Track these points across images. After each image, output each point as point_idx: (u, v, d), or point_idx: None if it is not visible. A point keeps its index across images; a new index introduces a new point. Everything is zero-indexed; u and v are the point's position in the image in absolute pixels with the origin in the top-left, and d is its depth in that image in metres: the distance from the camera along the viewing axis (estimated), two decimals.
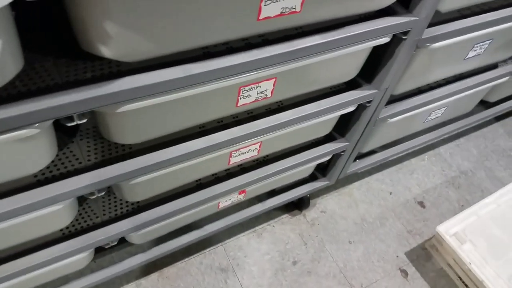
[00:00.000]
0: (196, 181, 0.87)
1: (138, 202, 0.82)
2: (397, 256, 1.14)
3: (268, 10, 0.50)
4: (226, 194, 0.88)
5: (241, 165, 0.91)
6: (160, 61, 0.53)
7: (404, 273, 1.11)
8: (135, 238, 0.87)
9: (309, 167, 1.06)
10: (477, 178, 1.36)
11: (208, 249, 1.08)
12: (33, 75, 0.49)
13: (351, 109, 0.84)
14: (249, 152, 0.81)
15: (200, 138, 0.70)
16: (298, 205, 1.20)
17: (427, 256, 1.14)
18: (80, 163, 0.65)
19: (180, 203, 0.83)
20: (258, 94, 0.66)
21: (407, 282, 1.10)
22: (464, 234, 1.05)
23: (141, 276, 1.01)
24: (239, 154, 0.80)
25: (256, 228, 1.15)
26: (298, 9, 0.52)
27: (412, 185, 1.33)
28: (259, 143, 0.80)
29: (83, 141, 0.68)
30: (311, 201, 1.22)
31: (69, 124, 0.52)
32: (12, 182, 0.59)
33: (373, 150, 1.22)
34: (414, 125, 1.15)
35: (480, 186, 1.34)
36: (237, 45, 0.57)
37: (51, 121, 0.51)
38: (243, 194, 0.94)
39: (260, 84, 0.63)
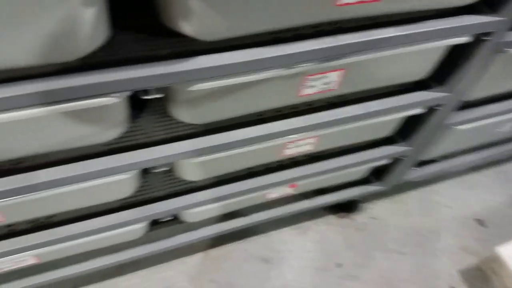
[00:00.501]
0: (248, 168, 0.89)
1: (194, 181, 0.85)
2: (450, 274, 1.08)
3: None
4: (276, 186, 0.88)
5: (293, 158, 0.91)
6: (231, 43, 0.55)
7: None
8: (188, 216, 0.91)
9: (364, 169, 1.03)
10: None
11: (252, 237, 1.10)
12: (115, 46, 0.52)
13: (418, 111, 0.81)
14: (305, 145, 0.81)
15: (259, 125, 0.71)
16: (347, 208, 1.18)
17: (482, 277, 1.07)
18: (148, 137, 0.69)
19: (231, 188, 0.85)
20: (323, 85, 0.66)
21: None
22: None
23: (187, 254, 1.05)
24: (295, 147, 0.80)
25: (302, 224, 1.14)
26: None
27: (472, 201, 1.25)
28: (316, 137, 0.80)
29: (153, 117, 0.72)
30: (362, 205, 1.19)
31: (145, 97, 0.55)
32: (85, 147, 0.64)
33: (433, 159, 1.16)
34: (483, 136, 1.08)
35: None
36: (307, 32, 0.57)
37: (129, 92, 0.54)
38: (292, 188, 0.94)
39: (327, 74, 0.63)
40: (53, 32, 0.42)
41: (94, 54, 0.51)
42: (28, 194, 0.64)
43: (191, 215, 0.91)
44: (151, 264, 1.03)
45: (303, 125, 0.72)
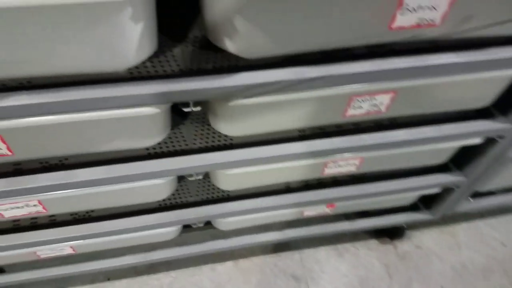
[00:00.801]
0: (286, 183, 0.86)
1: (229, 191, 0.84)
2: None
3: (404, 20, 0.45)
4: (313, 204, 0.85)
5: (335, 177, 0.87)
6: (276, 60, 0.53)
7: None
8: (221, 224, 0.90)
9: (412, 196, 0.96)
10: None
11: (285, 252, 1.07)
12: (162, 59, 0.53)
13: (476, 141, 0.74)
14: (347, 166, 0.77)
15: (298, 142, 0.68)
16: (390, 233, 1.11)
17: None
18: (187, 145, 0.69)
19: (266, 201, 0.83)
20: (371, 107, 0.62)
21: None
22: None
23: (217, 261, 1.05)
24: (336, 166, 0.77)
25: (339, 245, 1.09)
26: (437, 22, 0.47)
27: None
28: (360, 159, 0.75)
29: (192, 125, 0.72)
30: (406, 232, 1.12)
31: (185, 109, 0.55)
32: (128, 151, 0.66)
33: (491, 191, 1.06)
34: None
35: None
36: (359, 52, 0.54)
37: (170, 104, 0.54)
38: (330, 208, 0.90)
39: (375, 96, 0.59)
40: (104, 45, 0.43)
41: (142, 65, 0.52)
42: (70, 190, 0.66)
43: (224, 224, 0.90)
44: (182, 266, 1.03)
45: (346, 145, 0.68)
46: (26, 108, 0.50)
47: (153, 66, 0.53)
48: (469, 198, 1.04)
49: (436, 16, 0.46)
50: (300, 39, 0.46)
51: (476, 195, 1.04)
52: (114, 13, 0.40)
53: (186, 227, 0.96)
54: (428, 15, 0.45)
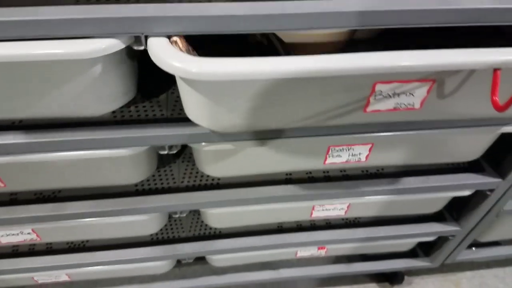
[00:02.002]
0: (278, 223, 0.87)
1: (220, 229, 0.85)
2: None
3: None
4: (303, 246, 0.85)
5: (327, 220, 0.87)
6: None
7: None
8: (214, 261, 0.91)
9: (408, 243, 0.94)
10: None
11: None
12: (138, 107, 0.57)
13: (466, 193, 0.73)
14: (334, 210, 0.77)
15: (284, 185, 0.70)
16: (390, 278, 1.08)
17: None
18: (175, 183, 0.71)
19: (255, 240, 0.83)
20: (351, 156, 0.63)
21: None
22: None
23: None
24: (323, 210, 0.77)
25: None
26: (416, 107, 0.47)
27: None
28: (347, 204, 0.76)
29: (183, 164, 0.75)
30: (408, 278, 1.08)
31: (162, 152, 0.58)
32: (116, 187, 0.69)
33: (496, 241, 1.02)
34: None
35: None
36: None
37: (146, 147, 0.58)
38: (322, 250, 0.90)
39: (352, 147, 0.60)
40: (81, 94, 0.47)
41: (120, 110, 0.56)
42: (61, 221, 0.70)
43: (217, 260, 0.91)
44: None
45: (329, 191, 0.69)
46: (16, 147, 0.54)
47: (137, 111, 0.56)
48: (472, 247, 1.00)
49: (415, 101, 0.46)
50: (269, 121, 0.48)
51: (479, 244, 1.01)
52: (87, 68, 0.44)
53: (180, 262, 0.97)
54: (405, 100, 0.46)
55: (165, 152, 0.57)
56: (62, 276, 0.89)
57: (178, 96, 0.58)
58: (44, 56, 0.40)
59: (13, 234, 0.74)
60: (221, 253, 0.85)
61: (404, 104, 0.45)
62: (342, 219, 0.87)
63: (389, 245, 0.92)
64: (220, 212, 0.75)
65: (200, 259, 0.96)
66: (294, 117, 0.47)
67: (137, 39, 0.42)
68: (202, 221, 0.87)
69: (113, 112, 0.56)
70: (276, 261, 0.96)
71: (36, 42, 0.40)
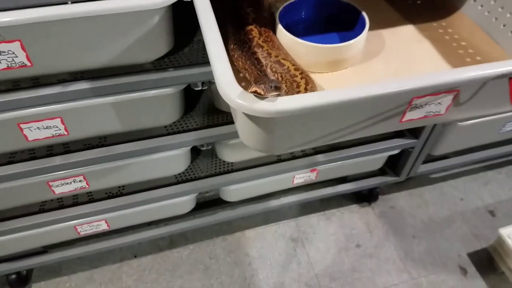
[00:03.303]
0: (277, 156, 1.07)
1: (232, 163, 1.04)
2: (459, 255, 1.19)
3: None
4: (299, 169, 1.06)
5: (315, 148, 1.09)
6: None
7: (464, 271, 1.15)
8: (228, 194, 1.09)
9: (380, 159, 1.18)
10: None
11: (283, 221, 1.26)
12: (176, 56, 0.75)
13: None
14: None
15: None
16: (368, 198, 1.32)
17: (490, 259, 1.17)
18: (197, 124, 0.90)
19: (262, 170, 1.03)
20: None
21: (465, 280, 1.13)
22: None
23: (228, 233, 1.23)
24: None
25: (327, 212, 1.30)
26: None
27: (485, 195, 1.35)
28: None
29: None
30: (382, 197, 1.33)
31: (196, 89, 0.76)
32: (151, 129, 0.86)
33: (446, 155, 1.29)
34: (488, 135, 1.19)
35: None
36: None
37: (184, 85, 0.76)
38: (314, 173, 1.11)
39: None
40: (134, 44, 0.65)
41: (162, 58, 0.73)
42: (111, 162, 0.86)
43: (230, 194, 1.09)
44: (198, 239, 1.22)
45: None
46: (82, 93, 0.70)
47: (170, 61, 0.74)
48: (428, 162, 1.26)
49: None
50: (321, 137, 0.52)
51: (433, 160, 1.27)
52: (147, 20, 0.62)
53: (200, 205, 1.15)
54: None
55: (199, 88, 0.75)
56: (102, 225, 1.04)
57: (199, 46, 0.77)
58: (125, 8, 0.58)
59: (66, 183, 0.89)
60: (234, 184, 1.04)
61: (433, 112, 0.51)
62: (327, 146, 1.09)
63: (365, 163, 1.15)
64: (233, 143, 0.94)
65: (216, 202, 1.15)
66: (339, 131, 0.51)
67: None
68: (218, 161, 1.05)
69: (153, 61, 0.74)
70: (277, 191, 1.16)
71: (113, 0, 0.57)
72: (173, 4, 0.60)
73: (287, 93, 0.53)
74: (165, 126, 0.88)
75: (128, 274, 1.14)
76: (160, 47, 0.69)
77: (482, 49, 0.67)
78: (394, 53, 0.67)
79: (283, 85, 0.44)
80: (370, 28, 0.64)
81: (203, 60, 0.74)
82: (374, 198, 1.30)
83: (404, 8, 0.78)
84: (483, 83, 0.50)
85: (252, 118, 0.43)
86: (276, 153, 0.64)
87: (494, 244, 1.16)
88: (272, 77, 0.57)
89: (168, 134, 0.87)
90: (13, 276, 1.09)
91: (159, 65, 0.74)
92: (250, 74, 0.57)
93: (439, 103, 0.50)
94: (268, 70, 0.57)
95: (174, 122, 0.88)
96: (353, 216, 1.29)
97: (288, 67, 0.56)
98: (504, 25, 0.65)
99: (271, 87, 0.40)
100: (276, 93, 0.41)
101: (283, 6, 0.66)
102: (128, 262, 1.17)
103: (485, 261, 1.17)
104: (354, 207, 1.31)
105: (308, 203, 1.29)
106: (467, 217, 1.29)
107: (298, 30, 0.68)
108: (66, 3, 0.58)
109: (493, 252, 1.17)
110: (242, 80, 0.60)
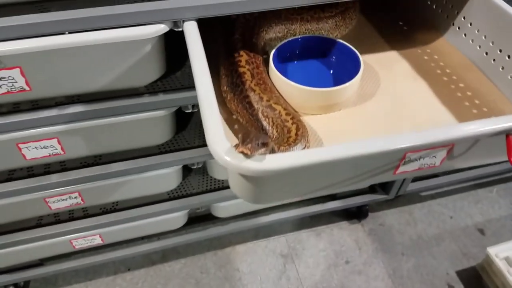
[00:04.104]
0: None
1: (222, 181, 1.08)
2: (447, 273, 1.20)
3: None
4: None
5: None
6: None
7: None
8: (219, 211, 1.13)
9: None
10: None
11: (273, 237, 1.29)
12: (169, 79, 0.79)
13: None
14: None
15: None
16: (357, 215, 1.34)
17: (478, 278, 1.18)
18: (189, 143, 0.94)
19: None
20: None
21: None
22: None
23: (219, 248, 1.26)
24: None
25: (316, 228, 1.32)
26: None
27: (475, 213, 1.37)
28: None
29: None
30: (372, 214, 1.36)
31: (187, 111, 0.80)
32: (145, 148, 0.90)
33: (436, 174, 1.32)
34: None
35: None
36: None
37: (175, 108, 0.80)
38: None
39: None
40: (128, 71, 0.69)
41: (155, 82, 0.78)
42: (105, 180, 0.90)
43: (221, 210, 1.13)
44: (189, 254, 1.25)
45: None
46: (78, 115, 0.75)
47: (163, 84, 0.79)
48: (417, 180, 1.29)
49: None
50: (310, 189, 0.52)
51: (423, 178, 1.30)
52: (139, 48, 0.66)
53: (191, 219, 1.19)
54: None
55: (190, 111, 0.79)
56: (97, 239, 1.07)
57: (191, 70, 0.81)
58: (118, 38, 0.62)
59: (62, 200, 0.93)
60: (224, 200, 1.07)
61: (427, 164, 0.51)
62: None
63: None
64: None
65: (207, 218, 1.18)
66: (331, 185, 0.51)
67: (175, 24, 0.64)
68: (209, 178, 1.09)
69: (147, 85, 0.78)
70: (267, 208, 1.19)
71: (108, 30, 0.62)
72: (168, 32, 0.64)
73: (277, 139, 0.55)
74: (158, 146, 0.92)
75: (122, 286, 1.17)
76: (153, 73, 0.74)
77: (480, 91, 0.68)
78: (389, 93, 0.67)
79: (270, 141, 0.44)
80: (365, 63, 0.65)
81: (194, 83, 0.79)
82: (363, 215, 1.33)
83: (393, 35, 0.80)
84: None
85: (241, 174, 0.43)
86: (266, 204, 0.63)
87: (482, 263, 1.18)
88: (263, 122, 0.57)
89: (161, 153, 0.91)
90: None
91: (152, 88, 0.78)
92: (242, 117, 0.59)
93: (433, 156, 0.50)
94: (260, 115, 0.58)
95: (166, 142, 0.93)
96: (343, 233, 1.31)
97: (279, 112, 0.57)
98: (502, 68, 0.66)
99: (258, 144, 0.39)
100: (264, 149, 0.40)
101: (277, 46, 0.67)
102: (122, 275, 1.20)
103: (474, 279, 1.19)
104: (344, 224, 1.34)
105: (298, 220, 1.32)
106: (456, 235, 1.31)
107: (292, 67, 0.70)
108: (63, 33, 0.63)
109: (481, 270, 1.19)
110: (235, 122, 0.61)
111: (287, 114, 0.57)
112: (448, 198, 1.42)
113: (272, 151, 0.47)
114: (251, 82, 0.61)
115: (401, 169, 0.51)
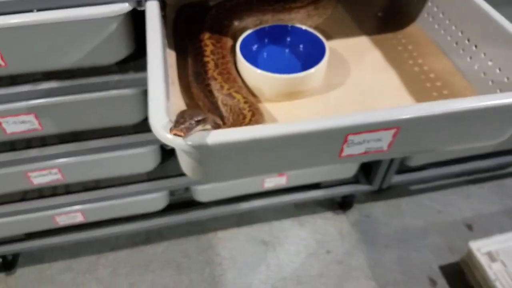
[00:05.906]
0: None
1: None
2: (430, 267, 1.18)
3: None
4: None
5: None
6: None
7: (433, 282, 1.15)
8: (199, 194, 1.14)
9: (351, 166, 1.20)
10: None
11: (256, 224, 1.30)
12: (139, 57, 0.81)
13: None
14: None
15: None
16: (342, 206, 1.34)
17: (459, 271, 1.16)
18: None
19: None
20: None
21: None
22: (497, 254, 1.05)
23: (201, 232, 1.28)
24: None
25: (300, 217, 1.32)
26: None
27: (464, 209, 1.34)
28: None
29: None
30: (358, 206, 1.35)
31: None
32: (120, 128, 0.93)
33: (424, 167, 1.30)
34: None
35: None
36: None
37: (145, 87, 0.82)
38: (284, 178, 1.15)
39: None
40: (95, 48, 0.71)
41: (124, 60, 0.80)
42: (83, 156, 0.93)
43: (202, 193, 1.14)
44: (172, 237, 1.27)
45: None
46: (52, 91, 0.78)
47: (134, 65, 0.81)
48: (403, 173, 1.27)
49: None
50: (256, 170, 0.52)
51: (409, 171, 1.28)
52: (105, 26, 0.68)
53: (172, 203, 1.21)
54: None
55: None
56: (78, 216, 1.11)
57: None
58: (88, 16, 0.65)
59: (43, 175, 0.97)
60: (201, 184, 1.09)
61: (374, 148, 0.51)
62: None
63: (336, 169, 1.18)
64: None
65: (191, 204, 1.20)
66: (278, 164, 0.51)
67: (139, 4, 0.66)
68: None
69: (116, 63, 0.80)
70: (249, 194, 1.20)
71: (73, 9, 0.64)
72: (137, 12, 0.66)
73: (232, 125, 0.55)
74: (134, 126, 0.95)
75: (104, 265, 1.21)
76: (120, 50, 0.76)
77: (450, 81, 0.65)
78: (357, 82, 0.66)
79: (210, 117, 0.44)
80: (335, 51, 0.65)
81: None
82: (348, 206, 1.32)
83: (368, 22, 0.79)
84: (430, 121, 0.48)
85: (183, 150, 0.43)
86: (214, 182, 0.64)
87: (465, 257, 1.15)
88: (222, 109, 0.59)
89: (136, 133, 0.94)
90: (0, 261, 1.18)
91: (124, 68, 0.81)
92: (204, 104, 0.61)
93: (379, 139, 0.49)
94: (219, 103, 0.59)
95: (142, 122, 0.95)
96: (327, 223, 1.31)
97: (238, 100, 0.58)
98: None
99: (193, 123, 0.40)
100: (201, 126, 0.41)
101: (243, 35, 0.67)
102: (105, 254, 1.23)
103: (456, 274, 1.17)
104: (328, 214, 1.33)
105: (282, 209, 1.32)
106: (443, 230, 1.28)
107: (262, 57, 0.70)
108: (31, 11, 0.66)
109: (463, 265, 1.16)
110: (197, 108, 0.61)
111: (245, 102, 0.57)
112: (439, 192, 1.39)
113: (217, 127, 0.47)
114: (214, 71, 0.62)
115: (346, 151, 0.50)
